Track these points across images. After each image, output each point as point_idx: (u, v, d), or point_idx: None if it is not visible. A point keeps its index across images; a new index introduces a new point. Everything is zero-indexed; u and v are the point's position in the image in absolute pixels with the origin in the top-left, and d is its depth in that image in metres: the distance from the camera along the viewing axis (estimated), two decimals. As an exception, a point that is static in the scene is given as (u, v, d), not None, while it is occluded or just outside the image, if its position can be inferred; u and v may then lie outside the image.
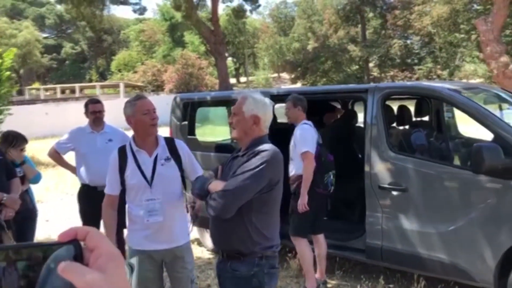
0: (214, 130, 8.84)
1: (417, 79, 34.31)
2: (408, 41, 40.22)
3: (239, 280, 2.28)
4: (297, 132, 3.94)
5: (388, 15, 39.28)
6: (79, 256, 0.55)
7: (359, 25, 41.75)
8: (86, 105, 4.29)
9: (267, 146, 2.27)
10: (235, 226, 2.27)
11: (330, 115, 5.37)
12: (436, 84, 4.05)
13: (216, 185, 2.27)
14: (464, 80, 27.19)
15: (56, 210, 7.18)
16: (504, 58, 9.23)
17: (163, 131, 2.92)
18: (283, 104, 4.14)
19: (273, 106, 2.74)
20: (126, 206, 2.86)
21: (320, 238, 4.05)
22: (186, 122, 5.27)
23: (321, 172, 3.87)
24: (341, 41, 40.72)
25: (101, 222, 2.99)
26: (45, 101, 28.55)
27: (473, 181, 3.28)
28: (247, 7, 39.20)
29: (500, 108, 4.35)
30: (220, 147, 5.17)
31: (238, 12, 34.22)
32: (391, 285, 4.06)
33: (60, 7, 46.04)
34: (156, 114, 2.73)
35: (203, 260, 4.87)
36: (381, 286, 3.98)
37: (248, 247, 2.27)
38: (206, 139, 6.00)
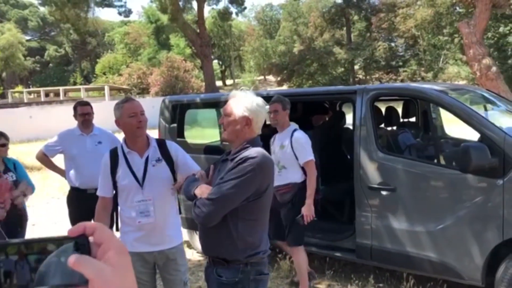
0: (203, 132, 8.83)
1: (402, 81, 34.74)
2: (393, 44, 40.69)
3: (224, 286, 2.24)
4: (297, 139, 3.78)
5: (373, 18, 39.70)
6: (87, 250, 0.57)
7: (345, 28, 42.09)
8: (75, 108, 4.26)
9: (256, 152, 2.17)
10: (220, 233, 2.22)
11: (319, 117, 5.40)
12: (424, 85, 4.12)
13: (202, 191, 2.21)
14: (449, 82, 27.59)
15: (42, 214, 7.09)
16: (486, 61, 9.39)
17: (151, 134, 2.91)
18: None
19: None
20: (118, 208, 2.84)
21: None
22: (175, 125, 5.26)
23: (317, 177, 3.86)
24: (327, 44, 41.01)
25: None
26: (29, 104, 28.18)
27: (460, 180, 3.33)
28: (233, 9, 39.27)
29: (485, 109, 4.44)
30: (209, 149, 5.16)
31: (224, 15, 34.30)
32: (381, 284, 4.11)
33: (43, 9, 45.51)
34: (143, 116, 2.72)
35: (193, 262, 4.86)
36: (371, 285, 4.02)
37: (232, 254, 2.22)
38: (195, 141, 5.99)
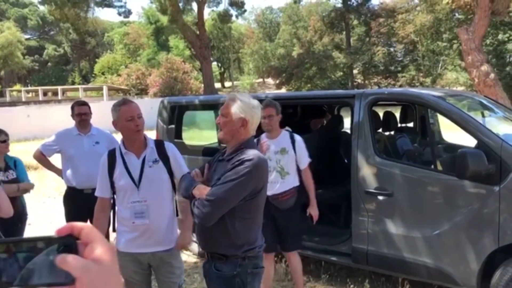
0: (201, 134, 8.82)
1: (400, 86, 34.81)
2: (392, 49, 40.79)
3: (223, 280, 2.34)
4: (299, 143, 3.74)
5: (372, 23, 39.81)
6: (74, 250, 0.58)
7: (344, 32, 42.17)
8: (73, 107, 4.25)
9: (252, 154, 2.25)
10: (218, 231, 2.31)
11: (317, 120, 5.41)
12: (422, 91, 4.13)
13: (200, 191, 2.29)
14: (447, 88, 27.68)
15: (38, 214, 7.06)
16: (485, 67, 9.43)
17: (149, 135, 2.91)
18: None
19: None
20: (116, 209, 2.84)
21: None
22: (173, 126, 5.26)
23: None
24: (326, 48, 41.10)
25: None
26: (27, 103, 28.12)
27: (457, 186, 3.34)
28: (233, 12, 39.29)
29: (483, 115, 4.45)
30: (207, 151, 5.16)
31: (224, 17, 34.34)
32: (376, 289, 4.10)
33: (43, 8, 45.43)
34: (141, 119, 2.71)
35: (189, 264, 4.85)
36: (366, 290, 4.02)
37: (230, 250, 2.32)
38: (193, 143, 5.99)
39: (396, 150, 4.30)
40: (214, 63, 49.36)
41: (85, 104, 4.32)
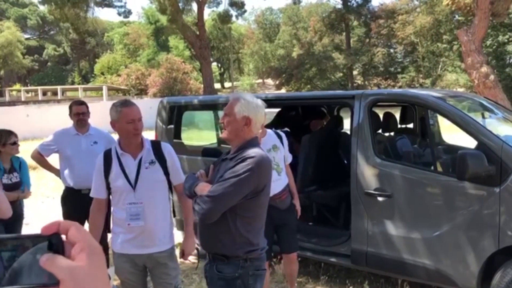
0: (200, 134, 8.80)
1: (400, 87, 34.83)
2: (392, 50, 40.86)
3: (224, 282, 2.31)
4: (284, 139, 3.72)
5: (372, 24, 39.86)
6: (60, 249, 0.56)
7: (344, 33, 42.22)
8: (70, 107, 4.24)
9: (255, 152, 2.25)
10: (220, 230, 2.30)
11: (317, 121, 5.39)
12: (422, 91, 4.11)
13: (203, 188, 2.28)
14: (447, 89, 27.67)
15: (36, 214, 7.03)
16: (485, 69, 9.41)
17: (147, 135, 2.89)
18: (272, 110, 4.09)
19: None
20: (111, 209, 2.82)
21: None
22: (172, 126, 5.24)
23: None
24: (326, 49, 41.13)
25: (85, 225, 2.94)
26: (26, 103, 28.10)
27: (457, 187, 3.32)
28: (233, 12, 39.19)
29: (483, 116, 4.44)
30: (207, 151, 5.15)
31: (224, 17, 34.27)
32: (375, 291, 4.08)
33: (43, 8, 45.38)
34: (140, 123, 2.69)
35: (187, 264, 4.83)
36: (365, 291, 4.00)
37: (231, 250, 2.30)
38: (192, 143, 5.97)
39: (396, 151, 4.28)
40: (214, 64, 49.37)
41: (83, 103, 4.30)
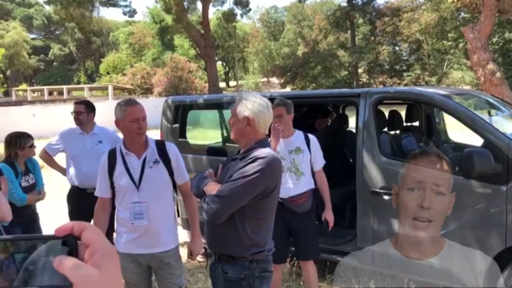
0: (205, 133, 8.80)
1: (406, 85, 34.65)
2: (397, 48, 40.67)
3: (230, 283, 2.29)
4: (315, 143, 3.62)
5: (377, 22, 39.67)
6: (74, 251, 0.55)
7: (349, 31, 42.04)
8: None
9: (265, 152, 2.23)
10: (227, 231, 2.28)
11: (322, 120, 5.37)
12: (428, 89, 4.09)
13: (212, 188, 2.27)
14: (453, 87, 27.52)
15: (43, 213, 7.05)
16: (491, 66, 9.35)
17: (153, 134, 2.89)
18: None
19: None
20: (116, 209, 2.83)
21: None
22: (177, 125, 5.24)
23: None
24: (331, 47, 40.98)
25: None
26: (32, 102, 28.25)
27: (463, 186, 3.31)
28: (238, 11, 39.23)
29: (490, 114, 4.40)
30: (212, 150, 5.15)
31: (229, 16, 34.31)
32: (381, 290, 4.07)
33: (48, 8, 45.62)
34: (145, 122, 2.69)
35: (192, 263, 4.83)
36: (371, 290, 3.98)
37: (238, 251, 2.28)
38: (197, 142, 5.97)
39: (402, 150, 4.26)
40: (219, 63, 49.39)
41: (82, 103, 4.30)
